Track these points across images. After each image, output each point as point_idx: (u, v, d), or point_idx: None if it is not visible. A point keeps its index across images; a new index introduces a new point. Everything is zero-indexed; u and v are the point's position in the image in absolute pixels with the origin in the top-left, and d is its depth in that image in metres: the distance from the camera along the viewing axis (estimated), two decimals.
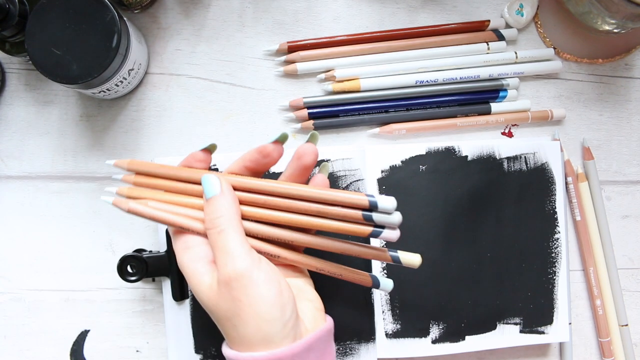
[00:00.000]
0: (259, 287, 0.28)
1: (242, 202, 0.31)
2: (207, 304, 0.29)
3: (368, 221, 0.31)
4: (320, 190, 0.31)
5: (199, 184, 0.32)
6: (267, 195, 0.31)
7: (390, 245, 0.40)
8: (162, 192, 0.33)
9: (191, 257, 0.30)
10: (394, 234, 0.31)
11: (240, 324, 0.28)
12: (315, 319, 0.31)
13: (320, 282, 0.43)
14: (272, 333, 0.28)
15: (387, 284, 0.34)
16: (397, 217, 0.30)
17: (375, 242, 0.42)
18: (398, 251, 0.32)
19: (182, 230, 0.31)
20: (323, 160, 0.43)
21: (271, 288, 0.28)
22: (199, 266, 0.30)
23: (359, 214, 0.30)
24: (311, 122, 0.44)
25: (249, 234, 0.31)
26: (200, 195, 0.32)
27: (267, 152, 0.32)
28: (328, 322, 0.32)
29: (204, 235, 0.31)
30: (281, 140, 0.32)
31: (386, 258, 0.32)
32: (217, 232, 0.29)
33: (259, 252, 0.31)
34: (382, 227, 0.31)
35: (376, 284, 0.34)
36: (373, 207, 0.30)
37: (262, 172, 0.33)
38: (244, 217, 0.32)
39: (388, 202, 0.30)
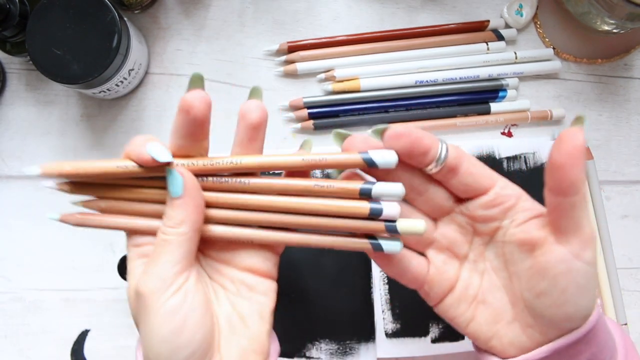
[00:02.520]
0: (155, 316, 0.25)
1: (209, 189, 0.27)
2: (128, 297, 0.27)
3: (365, 196, 0.26)
4: (297, 156, 0.26)
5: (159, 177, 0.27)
6: (238, 176, 0.27)
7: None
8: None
9: (136, 253, 0.27)
10: (394, 209, 0.26)
11: (140, 334, 0.26)
12: None
13: (320, 282, 0.43)
14: None
15: (393, 245, 0.28)
16: (399, 188, 0.26)
17: None
18: (397, 220, 0.27)
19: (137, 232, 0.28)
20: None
21: (168, 324, 0.25)
22: (138, 264, 0.27)
23: (356, 188, 0.26)
24: (311, 122, 0.44)
25: (220, 222, 0.28)
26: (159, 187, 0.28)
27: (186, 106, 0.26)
28: None
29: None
30: (254, 94, 0.27)
31: (379, 229, 0.27)
32: (161, 239, 0.26)
33: (230, 239, 0.28)
34: (379, 201, 0.26)
35: (378, 248, 0.28)
36: (370, 165, 0.26)
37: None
38: (213, 206, 0.28)
39: (388, 156, 0.26)
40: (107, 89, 0.41)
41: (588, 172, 0.46)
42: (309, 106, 0.44)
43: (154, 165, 0.26)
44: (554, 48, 0.46)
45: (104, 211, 0.28)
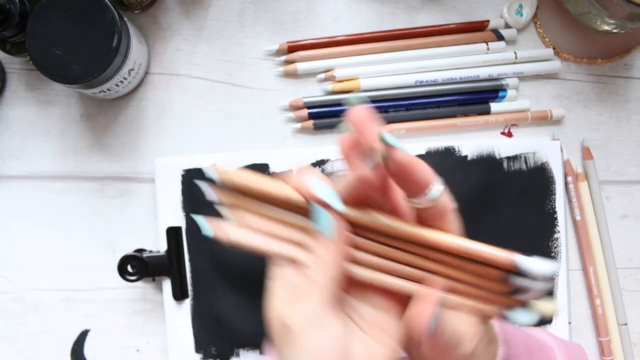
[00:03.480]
0: (301, 352, 0.26)
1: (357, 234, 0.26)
2: (268, 320, 0.28)
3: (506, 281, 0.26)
4: (454, 240, 0.26)
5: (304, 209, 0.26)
6: (386, 236, 0.26)
7: None
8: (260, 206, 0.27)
9: (280, 273, 0.27)
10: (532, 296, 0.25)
11: (280, 356, 0.27)
12: None
13: None
14: None
15: (525, 317, 0.26)
16: (541, 285, 0.25)
17: None
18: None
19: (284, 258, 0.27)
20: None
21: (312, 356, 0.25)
22: (279, 285, 0.27)
23: (500, 274, 0.26)
24: (311, 122, 0.44)
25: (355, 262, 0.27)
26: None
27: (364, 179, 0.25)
28: None
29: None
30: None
31: (513, 302, 0.26)
32: (310, 277, 0.26)
33: (361, 280, 0.27)
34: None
35: (507, 317, 0.27)
36: (517, 273, 0.25)
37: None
38: (357, 248, 0.27)
39: (541, 267, 0.24)
40: (107, 89, 0.41)
41: (588, 172, 0.46)
42: (309, 106, 0.44)
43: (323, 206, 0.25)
44: (554, 48, 0.46)
45: (243, 225, 0.27)
